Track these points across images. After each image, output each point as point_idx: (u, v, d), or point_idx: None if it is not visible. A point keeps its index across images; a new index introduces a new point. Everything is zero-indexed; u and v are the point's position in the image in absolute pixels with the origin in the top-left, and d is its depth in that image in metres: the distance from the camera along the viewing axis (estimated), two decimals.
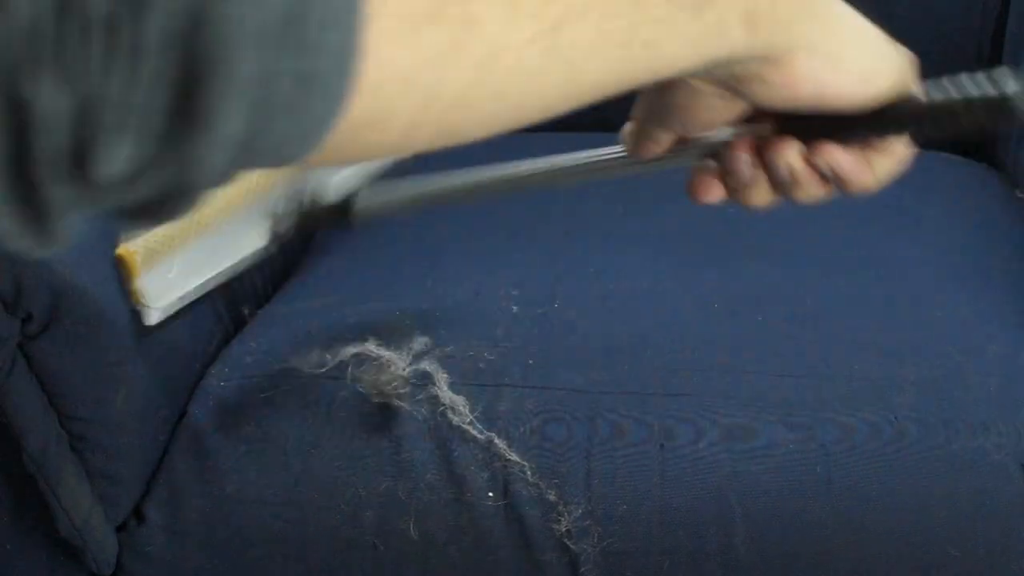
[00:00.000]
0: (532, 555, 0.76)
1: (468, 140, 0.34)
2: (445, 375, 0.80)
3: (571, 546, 0.75)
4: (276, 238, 0.76)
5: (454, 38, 0.30)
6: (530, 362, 0.82)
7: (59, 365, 0.72)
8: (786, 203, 0.51)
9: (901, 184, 1.13)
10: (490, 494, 0.76)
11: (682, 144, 0.50)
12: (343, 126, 0.28)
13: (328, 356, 0.84)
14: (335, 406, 0.80)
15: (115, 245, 0.77)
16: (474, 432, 0.77)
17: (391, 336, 0.85)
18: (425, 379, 0.80)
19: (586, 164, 0.55)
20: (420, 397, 0.79)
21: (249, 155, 0.27)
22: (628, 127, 0.51)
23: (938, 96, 0.46)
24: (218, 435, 0.81)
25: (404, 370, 0.79)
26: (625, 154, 0.52)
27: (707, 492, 0.76)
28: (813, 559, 0.75)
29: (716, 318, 0.86)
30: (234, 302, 0.91)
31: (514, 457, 0.77)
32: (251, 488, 0.79)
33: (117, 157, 0.25)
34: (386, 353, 0.80)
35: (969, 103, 0.45)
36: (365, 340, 0.83)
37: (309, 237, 0.80)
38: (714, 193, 0.51)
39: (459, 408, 0.78)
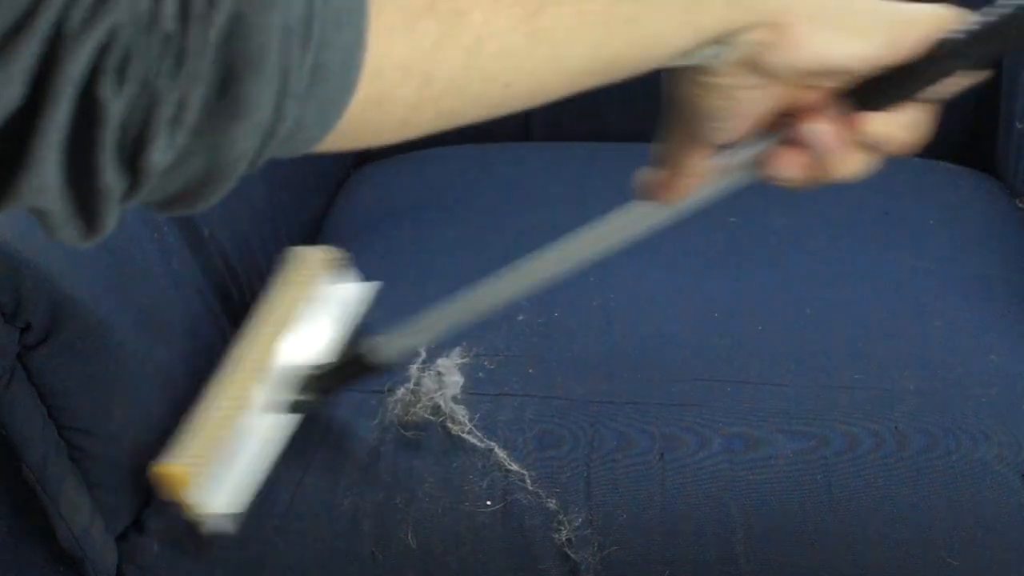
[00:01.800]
0: (532, 564, 0.76)
1: (467, 121, 0.38)
2: (446, 384, 0.80)
3: (571, 555, 0.75)
4: (303, 407, 0.76)
5: (444, 29, 0.34)
6: (530, 371, 0.82)
7: (58, 375, 0.72)
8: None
9: (901, 193, 1.13)
10: (488, 502, 0.76)
11: (715, 169, 0.48)
12: (351, 109, 0.33)
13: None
14: (334, 416, 0.80)
15: (115, 253, 0.77)
16: (473, 441, 0.77)
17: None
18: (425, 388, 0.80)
19: (617, 230, 0.55)
20: (421, 407, 0.79)
21: (274, 141, 0.31)
22: (647, 177, 0.50)
23: (973, 27, 0.45)
24: None
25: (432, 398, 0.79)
26: (658, 205, 0.50)
27: (708, 501, 0.76)
28: (814, 568, 0.75)
29: (717, 328, 0.86)
30: (235, 316, 0.91)
31: (514, 466, 0.77)
32: (250, 498, 0.78)
33: (168, 147, 0.29)
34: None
35: (1006, 22, 0.44)
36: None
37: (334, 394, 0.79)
38: (794, 169, 0.48)
39: (458, 417, 0.78)
